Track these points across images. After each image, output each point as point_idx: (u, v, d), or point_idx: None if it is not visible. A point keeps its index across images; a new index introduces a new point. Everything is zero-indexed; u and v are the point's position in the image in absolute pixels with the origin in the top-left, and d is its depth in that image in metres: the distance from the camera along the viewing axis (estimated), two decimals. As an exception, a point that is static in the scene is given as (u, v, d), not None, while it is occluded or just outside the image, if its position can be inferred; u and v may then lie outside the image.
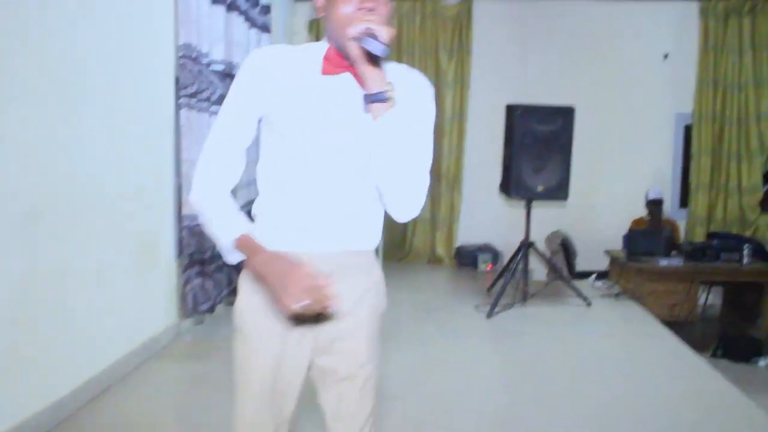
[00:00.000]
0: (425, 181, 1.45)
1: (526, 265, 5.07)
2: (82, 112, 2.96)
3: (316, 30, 6.49)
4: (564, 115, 4.97)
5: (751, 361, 4.79)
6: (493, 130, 5.82)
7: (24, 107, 2.56)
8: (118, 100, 3.26)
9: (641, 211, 6.10)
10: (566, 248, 6.02)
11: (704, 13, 6.21)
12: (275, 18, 5.55)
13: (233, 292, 4.58)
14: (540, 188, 4.94)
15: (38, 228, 2.66)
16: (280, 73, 1.44)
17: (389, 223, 1.55)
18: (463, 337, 4.35)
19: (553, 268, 5.33)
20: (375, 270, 1.57)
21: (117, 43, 3.25)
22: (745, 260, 5.46)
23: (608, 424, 3.06)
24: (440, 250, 6.51)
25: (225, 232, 1.43)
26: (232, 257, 1.46)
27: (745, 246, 5.50)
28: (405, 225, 6.43)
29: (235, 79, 1.48)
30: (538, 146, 4.93)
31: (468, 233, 6.55)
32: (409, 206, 1.46)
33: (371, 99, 1.39)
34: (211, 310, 4.24)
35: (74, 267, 2.93)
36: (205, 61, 4.08)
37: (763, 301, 5.52)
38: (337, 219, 1.48)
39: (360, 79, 1.41)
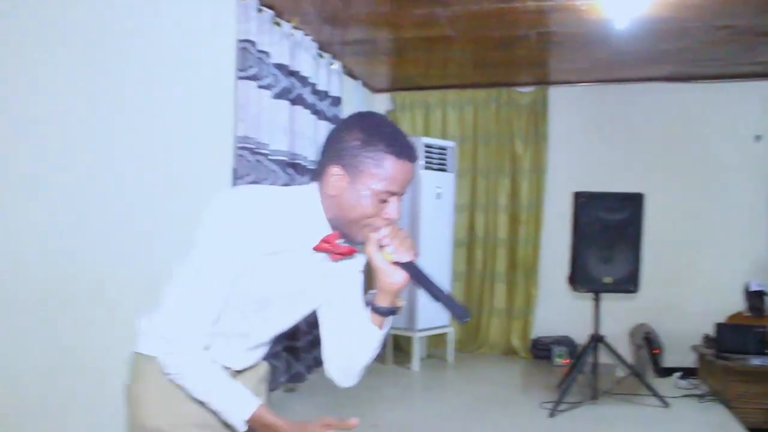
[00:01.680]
0: None
1: (595, 360, 4.77)
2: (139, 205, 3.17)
3: (394, 122, 6.65)
4: (632, 202, 4.75)
5: None
6: (570, 218, 5.64)
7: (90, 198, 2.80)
8: (176, 194, 3.42)
9: (738, 305, 5.63)
10: (650, 342, 5.62)
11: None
12: (351, 109, 5.73)
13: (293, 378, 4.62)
14: (607, 280, 4.70)
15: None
16: (273, 231, 1.43)
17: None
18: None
19: (625, 364, 4.98)
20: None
21: (177, 140, 3.46)
22: None
23: None
24: (515, 342, 6.26)
25: (238, 407, 1.43)
26: (242, 428, 1.45)
27: None
28: (479, 315, 6.29)
29: (222, 228, 1.42)
30: (606, 235, 4.73)
31: (545, 325, 6.27)
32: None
33: (387, 311, 1.54)
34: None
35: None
36: (264, 151, 4.18)
37: None
38: (262, 349, 1.74)
39: (334, 255, 1.51)
